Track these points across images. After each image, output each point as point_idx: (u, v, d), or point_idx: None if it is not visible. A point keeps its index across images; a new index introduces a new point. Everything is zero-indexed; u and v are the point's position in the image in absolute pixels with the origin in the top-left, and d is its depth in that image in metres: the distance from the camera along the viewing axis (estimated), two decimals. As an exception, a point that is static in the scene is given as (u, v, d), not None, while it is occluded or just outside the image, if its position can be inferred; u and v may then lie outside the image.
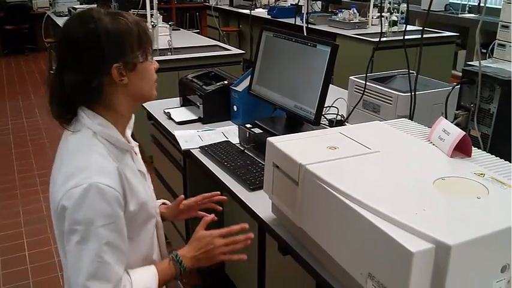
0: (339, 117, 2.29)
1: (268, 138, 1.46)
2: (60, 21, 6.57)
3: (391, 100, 2.09)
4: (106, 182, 1.14)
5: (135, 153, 1.35)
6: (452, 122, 1.77)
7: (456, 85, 1.89)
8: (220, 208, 1.62)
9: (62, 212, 1.14)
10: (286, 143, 1.42)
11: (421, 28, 6.19)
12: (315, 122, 1.87)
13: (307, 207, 1.30)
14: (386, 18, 5.65)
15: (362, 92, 2.17)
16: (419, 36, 5.45)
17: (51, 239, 3.25)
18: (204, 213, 1.55)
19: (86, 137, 1.21)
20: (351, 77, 2.31)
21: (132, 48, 1.20)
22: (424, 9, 7.63)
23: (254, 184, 1.78)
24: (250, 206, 1.67)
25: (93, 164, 1.16)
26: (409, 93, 2.03)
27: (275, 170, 1.44)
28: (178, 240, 2.72)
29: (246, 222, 1.70)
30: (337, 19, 6.00)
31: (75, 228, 1.12)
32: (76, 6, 6.11)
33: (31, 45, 9.28)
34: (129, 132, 1.38)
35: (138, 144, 1.40)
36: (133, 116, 1.36)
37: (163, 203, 1.63)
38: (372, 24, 6.04)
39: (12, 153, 4.69)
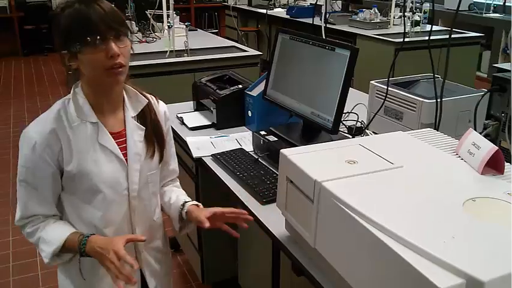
0: (358, 124, 2.17)
1: (281, 151, 1.36)
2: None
3: (414, 107, 1.97)
4: (32, 134, 1.34)
5: (101, 127, 1.41)
6: (481, 133, 1.65)
7: (486, 93, 1.76)
8: (246, 226, 1.54)
9: None
10: (300, 156, 1.31)
11: (445, 28, 6.04)
12: (333, 131, 1.76)
13: (323, 227, 1.19)
14: (409, 18, 5.50)
15: (384, 97, 2.05)
16: (444, 36, 5.31)
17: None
18: (231, 229, 1.54)
19: (61, 99, 1.40)
20: (371, 82, 2.19)
21: (71, 39, 1.29)
22: (448, 9, 7.43)
23: (267, 197, 1.68)
24: (262, 221, 1.57)
25: (40, 118, 1.38)
26: (434, 100, 1.90)
27: (289, 184, 1.34)
28: (191, 249, 2.63)
29: (260, 236, 1.61)
30: (358, 19, 5.86)
31: None
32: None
33: (50, 45, 9.30)
34: (130, 113, 1.46)
35: (143, 129, 1.47)
36: (142, 101, 1.48)
37: (196, 204, 1.61)
38: (393, 24, 5.88)
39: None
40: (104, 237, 1.39)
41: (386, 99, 2.08)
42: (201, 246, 2.46)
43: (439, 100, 1.87)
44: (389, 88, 2.10)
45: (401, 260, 0.91)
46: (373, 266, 1.01)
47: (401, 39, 5.15)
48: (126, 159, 1.43)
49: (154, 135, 1.50)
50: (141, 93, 1.51)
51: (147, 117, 1.49)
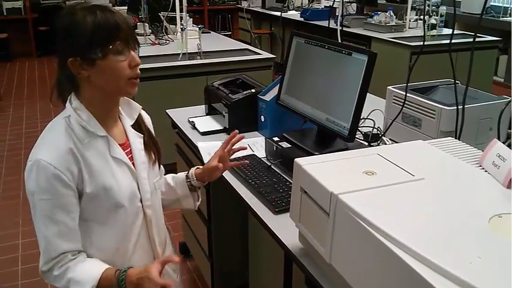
0: (375, 131, 2.11)
1: (296, 160, 1.30)
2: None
3: (433, 114, 1.90)
4: (48, 159, 1.22)
5: (111, 141, 1.35)
6: (504, 143, 1.58)
7: (510, 101, 1.68)
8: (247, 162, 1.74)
9: None
10: (316, 166, 1.26)
11: (462, 32, 5.93)
12: (349, 138, 1.69)
13: (339, 242, 1.13)
14: (425, 21, 5.41)
15: (402, 104, 1.98)
16: (461, 40, 5.22)
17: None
18: (238, 162, 1.71)
19: (59, 118, 1.31)
20: (389, 87, 2.13)
21: (90, 44, 1.22)
22: (464, 12, 7.31)
23: (280, 206, 1.62)
24: (275, 231, 1.52)
25: (46, 142, 1.28)
26: (455, 107, 1.83)
27: (303, 195, 1.28)
28: (201, 255, 2.58)
29: (272, 246, 1.56)
30: (373, 22, 5.79)
31: (28, 197, 1.27)
32: (94, 3, 6.02)
33: (65, 47, 9.33)
34: (127, 122, 1.42)
35: (142, 136, 1.44)
36: (136, 108, 1.44)
37: (197, 167, 1.66)
38: (409, 28, 5.79)
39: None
40: (138, 269, 1.28)
41: (404, 105, 2.02)
42: (211, 252, 2.41)
43: (460, 107, 1.80)
44: (407, 94, 2.03)
45: (423, 281, 0.85)
46: (393, 286, 0.95)
47: (417, 43, 5.09)
48: (135, 169, 1.41)
49: (150, 140, 1.48)
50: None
51: (141, 124, 1.47)
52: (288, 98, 2.06)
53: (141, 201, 1.41)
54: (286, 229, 1.49)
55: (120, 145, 1.38)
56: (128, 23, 1.28)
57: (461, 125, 1.82)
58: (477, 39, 5.36)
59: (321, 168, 1.25)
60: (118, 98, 1.36)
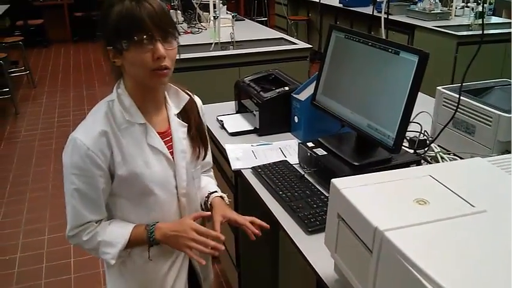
0: (422, 136, 1.89)
1: (333, 181, 1.11)
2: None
3: (490, 121, 1.68)
4: (82, 139, 1.28)
5: (149, 128, 1.38)
6: None
7: None
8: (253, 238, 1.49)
9: None
10: (356, 191, 1.07)
11: (509, 21, 5.55)
12: (394, 149, 1.49)
13: (383, 285, 0.95)
14: (472, 9, 5.08)
15: (454, 108, 1.77)
16: (509, 30, 4.87)
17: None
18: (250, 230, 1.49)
19: (103, 101, 1.36)
20: (439, 88, 1.91)
21: (116, 35, 1.25)
22: (514, -2, 6.88)
23: (314, 225, 1.45)
24: (307, 256, 1.34)
25: (86, 122, 1.34)
26: (515, 114, 1.61)
27: (341, 223, 1.10)
28: (229, 264, 2.44)
29: (304, 269, 1.39)
30: (416, 9, 5.48)
31: (63, 169, 1.33)
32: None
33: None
34: (173, 111, 1.43)
35: (186, 125, 1.45)
36: (184, 97, 1.46)
37: (221, 196, 1.60)
38: (455, 15, 5.46)
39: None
40: (171, 222, 1.40)
41: (455, 108, 1.80)
42: (238, 261, 2.25)
43: (521, 114, 1.58)
44: (456, 95, 1.81)
45: None
46: None
47: (465, 32, 4.78)
48: (173, 158, 1.42)
49: (197, 132, 1.49)
50: (182, 90, 1.49)
51: (189, 114, 1.48)
52: (324, 98, 1.87)
53: (176, 189, 1.43)
54: (320, 252, 1.31)
55: (161, 133, 1.40)
56: (157, 14, 1.25)
57: (523, 134, 1.60)
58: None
59: (362, 193, 1.06)
60: (151, 88, 1.36)
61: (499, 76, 1.76)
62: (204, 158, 1.54)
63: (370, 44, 1.62)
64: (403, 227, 0.94)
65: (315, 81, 2.04)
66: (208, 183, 1.65)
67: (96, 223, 1.37)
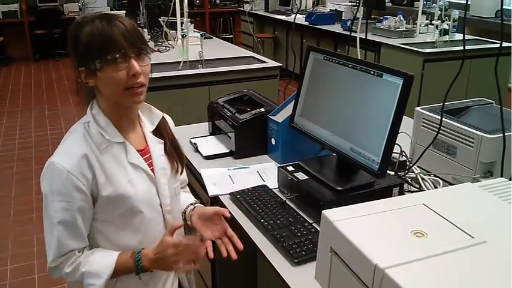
0: (402, 158, 1.86)
1: (324, 213, 1.05)
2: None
3: (472, 142, 1.66)
4: (63, 163, 1.25)
5: (128, 146, 1.37)
6: None
7: None
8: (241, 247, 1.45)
9: None
10: (351, 223, 1.01)
11: (474, 37, 5.69)
12: (379, 174, 1.45)
13: (385, 327, 0.89)
14: (437, 26, 5.17)
15: (434, 129, 1.75)
16: (477, 47, 4.97)
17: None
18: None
19: (79, 123, 1.34)
20: (417, 108, 1.89)
21: (91, 56, 1.23)
22: (473, 16, 7.08)
23: (299, 255, 1.38)
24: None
25: (63, 146, 1.31)
26: (497, 135, 1.60)
27: (334, 258, 1.04)
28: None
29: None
30: (382, 27, 5.56)
31: (42, 197, 1.29)
32: (105, 12, 5.79)
33: (62, 50, 9.09)
34: (148, 128, 1.43)
35: (162, 142, 1.45)
36: (157, 114, 1.46)
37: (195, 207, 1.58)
38: (419, 33, 5.55)
39: (32, 170, 4.41)
40: (151, 248, 1.36)
41: (434, 129, 1.78)
42: (214, 285, 2.16)
43: (502, 134, 1.57)
44: (436, 116, 1.79)
45: None
46: None
47: (430, 50, 4.85)
48: (154, 175, 1.41)
49: (173, 147, 1.48)
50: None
51: (162, 131, 1.47)
52: (303, 120, 1.82)
53: (160, 206, 1.42)
54: (308, 285, 1.25)
55: (139, 151, 1.39)
56: (128, 31, 1.25)
57: (502, 156, 1.59)
58: (490, 46, 5.12)
59: (357, 226, 1.01)
60: (127, 106, 1.35)
61: (465, 93, 1.76)
62: (181, 172, 1.53)
63: (350, 66, 1.58)
64: (404, 264, 0.88)
65: (291, 103, 1.99)
66: (187, 198, 1.63)
67: (78, 252, 1.33)
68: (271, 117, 2.04)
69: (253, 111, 2.10)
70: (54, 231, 1.28)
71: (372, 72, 1.49)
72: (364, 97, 1.52)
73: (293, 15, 7.48)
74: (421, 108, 1.87)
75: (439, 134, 1.76)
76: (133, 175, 1.35)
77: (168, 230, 1.36)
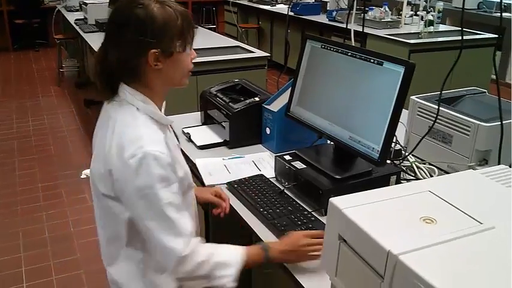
0: (397, 146, 1.87)
1: (332, 201, 1.05)
2: (71, 17, 6.18)
3: (468, 130, 1.67)
4: (158, 149, 1.22)
5: (171, 128, 1.43)
6: None
7: None
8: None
9: (112, 177, 1.25)
10: (360, 210, 1.01)
11: (456, 28, 5.74)
12: (380, 163, 1.45)
13: (397, 314, 0.89)
14: (422, 17, 5.21)
15: (430, 118, 1.75)
16: (458, 38, 5.00)
17: (52, 268, 2.88)
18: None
19: (130, 112, 1.29)
20: (412, 97, 1.89)
21: (173, 38, 1.24)
22: (456, 7, 7.14)
23: (301, 244, 1.38)
24: (298, 279, 1.27)
25: (143, 135, 1.24)
26: (493, 123, 1.61)
27: (342, 245, 1.03)
28: None
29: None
30: (367, 17, 5.56)
31: (140, 194, 1.22)
32: (87, 2, 5.70)
33: (42, 40, 8.93)
34: (162, 111, 1.42)
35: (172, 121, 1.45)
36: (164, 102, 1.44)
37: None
38: (404, 24, 5.58)
39: (15, 162, 4.33)
40: (276, 241, 1.38)
41: (430, 118, 1.79)
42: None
43: (499, 123, 1.58)
44: (431, 105, 1.80)
45: None
46: None
47: (415, 40, 4.87)
48: None
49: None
50: None
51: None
52: (300, 110, 1.81)
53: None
54: (310, 275, 1.25)
55: None
56: None
57: (500, 144, 1.60)
58: (473, 37, 5.16)
59: (366, 213, 1.00)
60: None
61: (450, 84, 1.78)
62: None
63: (349, 54, 1.58)
64: (416, 250, 0.88)
65: (286, 92, 1.99)
66: None
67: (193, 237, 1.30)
68: (266, 106, 2.03)
69: (247, 101, 2.09)
70: (172, 216, 1.24)
71: (372, 61, 1.48)
72: (364, 86, 1.52)
73: (278, 6, 7.47)
74: (417, 97, 1.88)
75: (436, 123, 1.77)
76: (181, 154, 1.43)
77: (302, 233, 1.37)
